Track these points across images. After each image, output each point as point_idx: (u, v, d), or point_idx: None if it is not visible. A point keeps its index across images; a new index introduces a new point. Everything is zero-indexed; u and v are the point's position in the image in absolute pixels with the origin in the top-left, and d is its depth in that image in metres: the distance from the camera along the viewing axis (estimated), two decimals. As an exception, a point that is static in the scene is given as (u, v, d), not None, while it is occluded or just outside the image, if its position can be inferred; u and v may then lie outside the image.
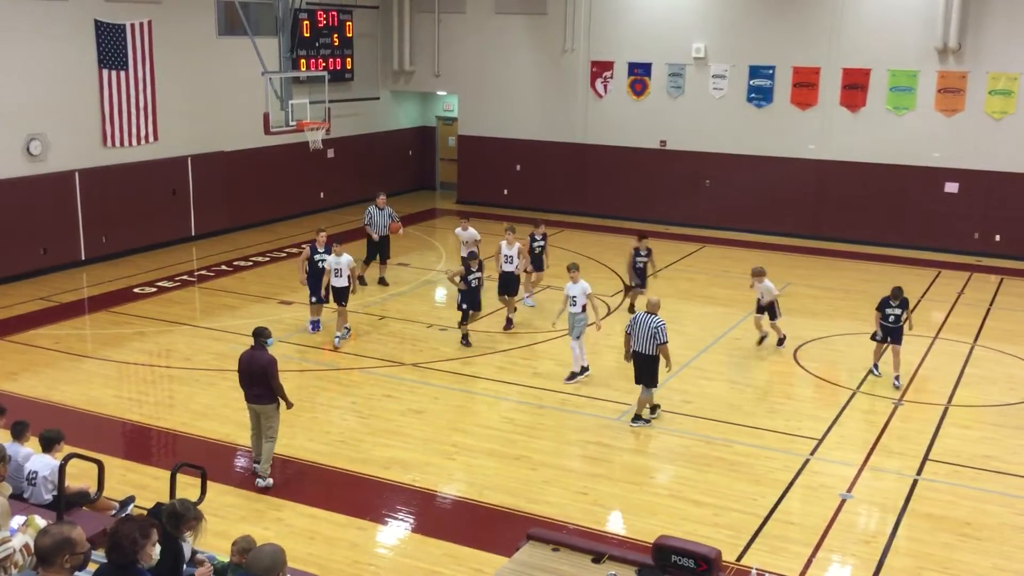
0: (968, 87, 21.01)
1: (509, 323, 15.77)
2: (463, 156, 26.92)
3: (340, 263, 14.70)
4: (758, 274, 14.88)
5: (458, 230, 17.43)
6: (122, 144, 19.66)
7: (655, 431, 11.98)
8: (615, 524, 9.76)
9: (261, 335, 10.24)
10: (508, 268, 15.69)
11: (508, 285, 15.77)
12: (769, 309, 14.93)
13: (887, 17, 21.48)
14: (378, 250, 17.90)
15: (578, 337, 13.40)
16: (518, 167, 25.95)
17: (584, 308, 13.35)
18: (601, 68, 24.51)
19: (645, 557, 6.25)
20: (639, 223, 23.99)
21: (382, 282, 18.08)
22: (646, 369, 11.87)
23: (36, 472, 8.43)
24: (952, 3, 20.56)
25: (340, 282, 14.74)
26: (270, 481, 10.23)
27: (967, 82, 21.00)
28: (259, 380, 10.11)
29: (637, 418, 11.99)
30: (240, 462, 11.00)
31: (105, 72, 19.08)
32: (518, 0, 24.98)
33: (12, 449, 8.47)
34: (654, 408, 12.22)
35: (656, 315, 11.81)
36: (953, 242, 21.54)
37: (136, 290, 17.76)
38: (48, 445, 8.72)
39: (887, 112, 21.84)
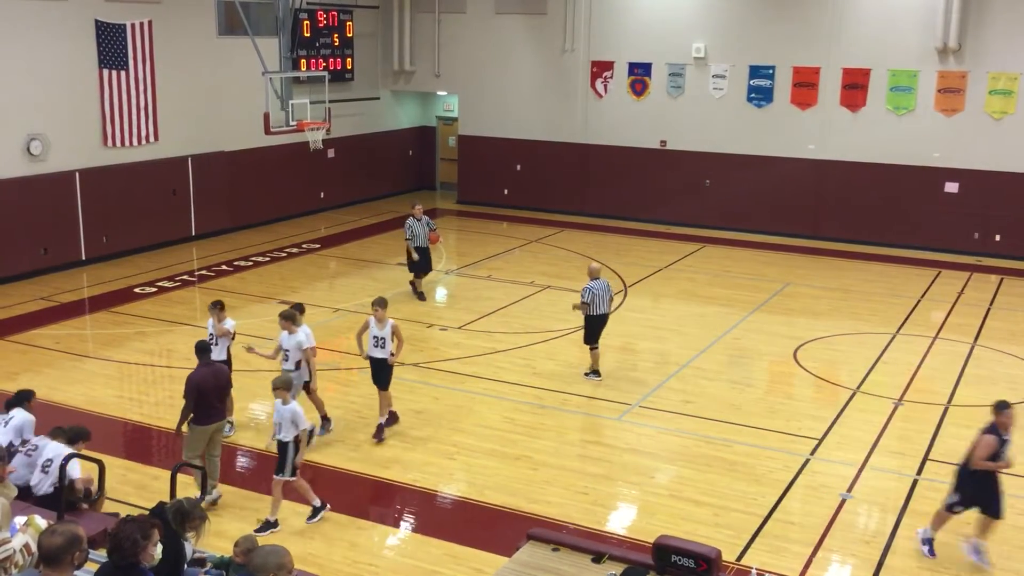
0: (968, 87, 21.01)
1: (380, 430, 11.56)
2: (463, 156, 26.91)
3: (226, 329, 11.45)
4: (287, 318, 11.20)
5: (283, 335, 11.26)
6: (122, 144, 19.67)
7: (655, 431, 11.99)
8: (615, 524, 9.76)
9: (208, 349, 10.39)
10: (378, 354, 11.52)
11: (379, 375, 11.63)
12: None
13: (887, 17, 21.47)
14: (421, 263, 17.20)
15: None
16: (518, 167, 25.96)
17: (298, 365, 11.05)
18: (601, 68, 24.51)
19: (645, 557, 6.25)
20: (639, 223, 24.06)
21: (420, 296, 17.35)
22: (601, 329, 13.49)
23: (51, 460, 8.63)
24: (952, 3, 20.55)
25: (217, 354, 11.15)
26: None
27: (967, 82, 21.00)
28: (226, 393, 10.37)
29: (596, 372, 13.53)
30: (240, 461, 11.02)
31: (105, 72, 19.09)
32: (518, 0, 24.99)
33: (41, 442, 8.85)
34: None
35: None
36: (953, 242, 21.53)
37: (136, 290, 17.76)
38: (72, 441, 8.94)
39: (887, 112, 21.83)
